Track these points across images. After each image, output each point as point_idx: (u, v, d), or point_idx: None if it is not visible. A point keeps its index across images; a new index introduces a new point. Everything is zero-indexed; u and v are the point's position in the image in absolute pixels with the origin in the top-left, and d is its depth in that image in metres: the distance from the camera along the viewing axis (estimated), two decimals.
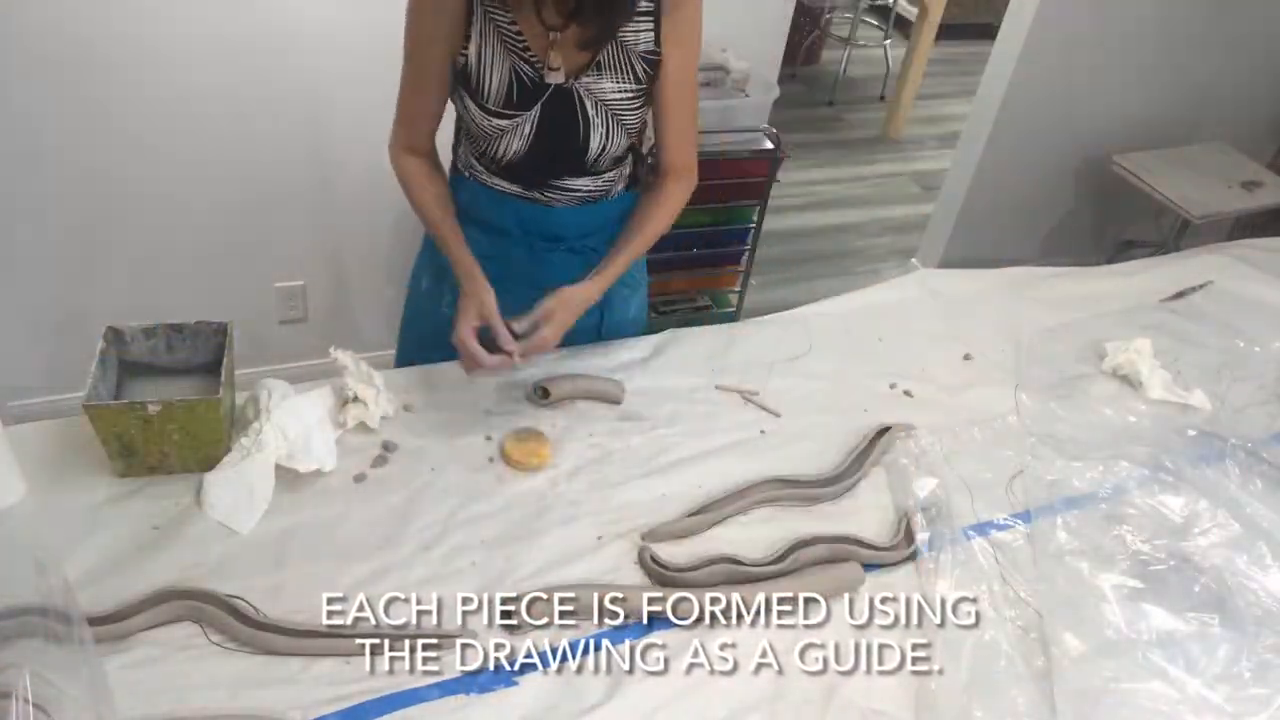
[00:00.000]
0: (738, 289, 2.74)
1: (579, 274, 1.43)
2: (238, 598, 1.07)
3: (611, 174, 1.39)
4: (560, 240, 1.43)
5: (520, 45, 1.23)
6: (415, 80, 1.30)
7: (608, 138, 1.31)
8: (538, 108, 1.27)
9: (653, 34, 1.27)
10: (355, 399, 1.32)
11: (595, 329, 1.54)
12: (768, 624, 1.14)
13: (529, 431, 1.36)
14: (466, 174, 1.41)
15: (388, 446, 1.31)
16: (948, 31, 4.76)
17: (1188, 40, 2.94)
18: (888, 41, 4.94)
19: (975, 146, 3.01)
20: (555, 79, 1.25)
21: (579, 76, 1.26)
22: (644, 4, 1.24)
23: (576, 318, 1.35)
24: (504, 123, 1.28)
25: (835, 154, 4.33)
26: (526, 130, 1.28)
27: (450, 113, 1.35)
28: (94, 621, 0.99)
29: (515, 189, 1.38)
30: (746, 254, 2.67)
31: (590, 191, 1.39)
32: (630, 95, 1.29)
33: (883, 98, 4.83)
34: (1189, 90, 3.09)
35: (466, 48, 1.24)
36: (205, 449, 1.21)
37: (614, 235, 1.46)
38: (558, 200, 1.38)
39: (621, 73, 1.27)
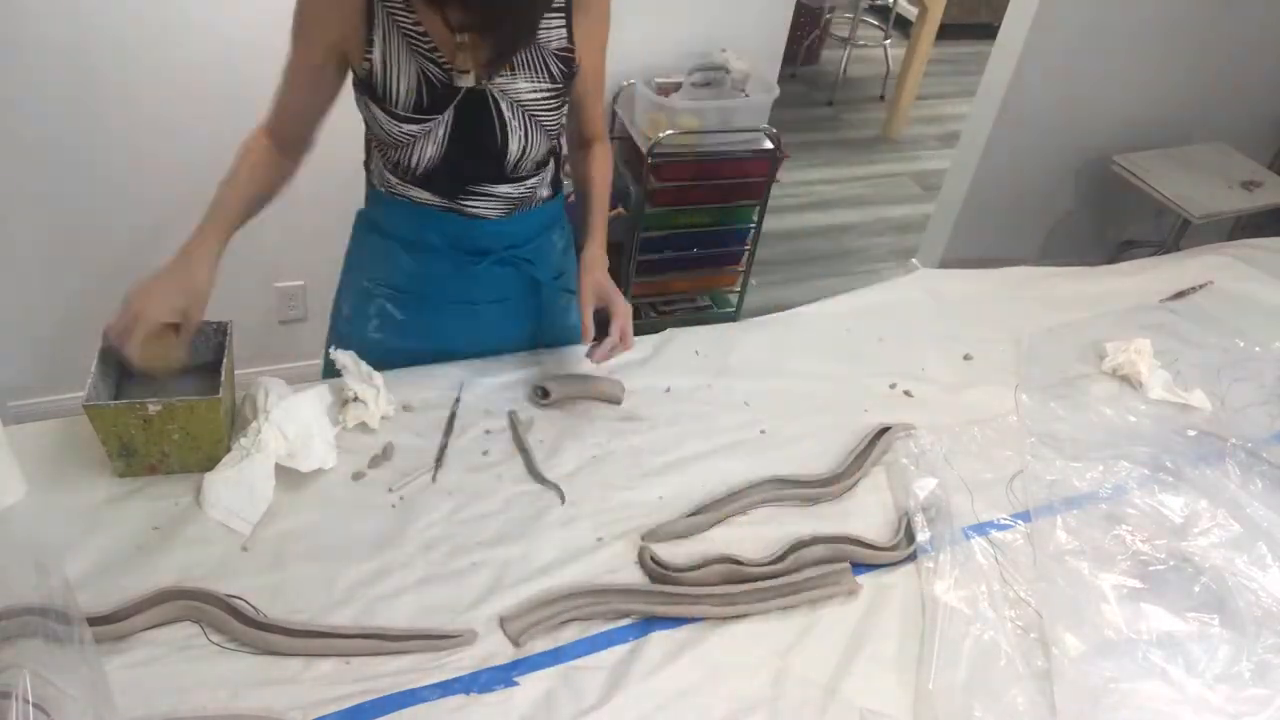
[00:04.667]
0: (738, 289, 2.74)
1: (510, 288, 1.44)
2: (238, 598, 1.07)
3: (533, 180, 1.35)
4: (487, 253, 1.38)
5: (427, 47, 1.17)
6: (291, 75, 1.23)
7: (526, 140, 1.26)
8: (450, 111, 1.21)
9: (565, 31, 1.23)
10: (355, 399, 1.32)
11: (531, 336, 1.53)
12: (767, 624, 1.14)
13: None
14: (382, 189, 1.36)
15: (387, 447, 1.31)
16: (948, 31, 4.76)
17: (1188, 40, 2.94)
18: (888, 41, 4.95)
19: (975, 146, 3.01)
20: (465, 82, 1.18)
21: (491, 78, 1.20)
22: (555, 1, 1.20)
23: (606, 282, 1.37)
24: (414, 128, 1.22)
25: (835, 154, 4.33)
26: (440, 135, 1.23)
27: (357, 125, 1.29)
28: (94, 621, 0.99)
29: (435, 200, 1.32)
30: (746, 254, 2.67)
31: (512, 198, 1.34)
32: (547, 95, 1.24)
33: (883, 98, 4.83)
34: (1189, 90, 3.09)
35: (370, 53, 1.17)
36: (205, 449, 1.21)
37: (542, 244, 1.45)
38: (480, 210, 1.34)
39: (536, 72, 1.23)
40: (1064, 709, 1.07)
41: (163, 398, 1.15)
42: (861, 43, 4.95)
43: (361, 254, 1.47)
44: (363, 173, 1.44)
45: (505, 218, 1.36)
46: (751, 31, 2.45)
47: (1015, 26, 2.79)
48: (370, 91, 1.21)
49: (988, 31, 3.33)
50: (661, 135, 2.30)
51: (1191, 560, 1.28)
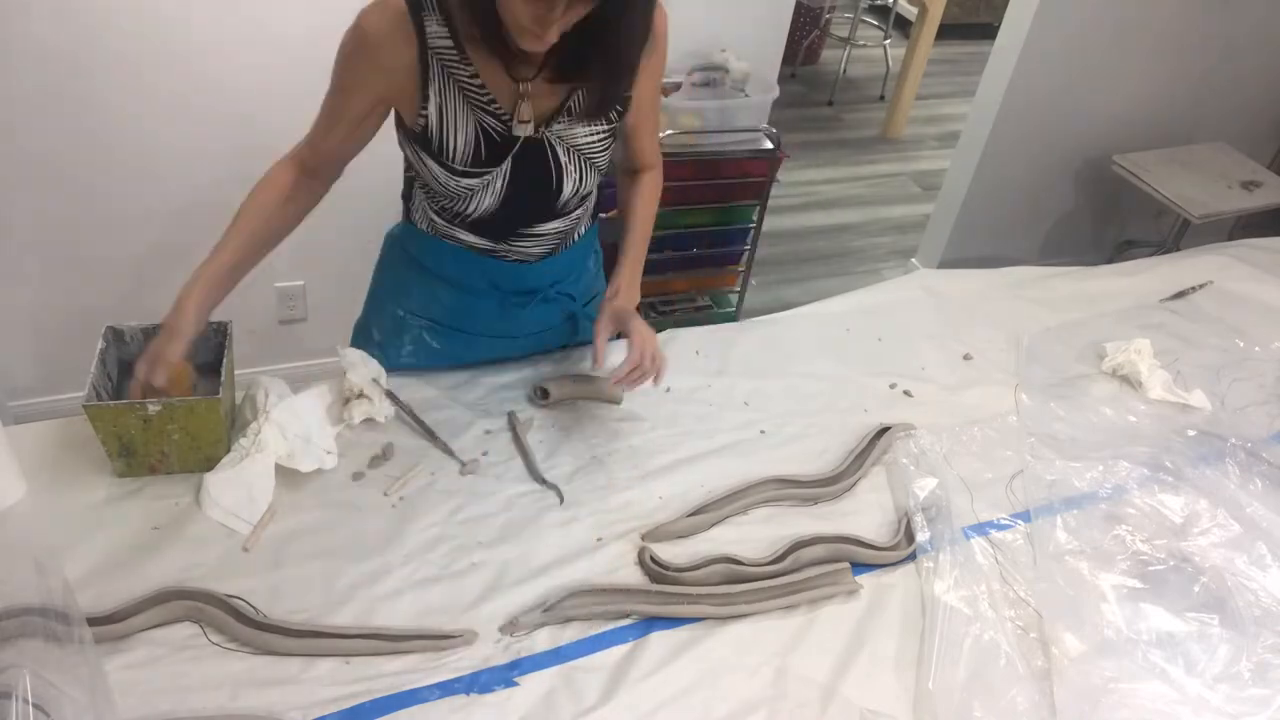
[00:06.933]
0: (738, 289, 2.74)
1: (551, 319, 1.46)
2: (238, 598, 1.07)
3: (578, 211, 1.34)
4: (533, 293, 1.40)
5: (485, 99, 1.15)
6: (330, 119, 1.20)
7: (580, 181, 1.26)
8: (508, 161, 1.20)
9: None
10: (361, 395, 1.32)
11: (570, 332, 1.53)
12: (767, 624, 1.14)
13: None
14: (425, 228, 1.34)
15: (387, 447, 1.31)
16: (948, 31, 4.77)
17: (1188, 40, 2.94)
18: (888, 41, 4.95)
19: (975, 146, 3.01)
20: (524, 131, 1.18)
21: (549, 124, 1.20)
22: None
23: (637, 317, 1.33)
24: (473, 181, 1.20)
25: (835, 154, 4.34)
26: (498, 186, 1.21)
27: (392, 160, 1.28)
28: (94, 621, 0.99)
29: (482, 243, 1.32)
30: (746, 254, 2.67)
31: (558, 233, 1.34)
32: (602, 136, 1.24)
33: (882, 98, 4.83)
34: (1189, 90, 3.09)
35: (425, 108, 1.14)
36: (205, 449, 1.21)
37: (583, 278, 1.46)
38: (526, 250, 1.33)
39: (593, 115, 1.22)
40: (1064, 709, 1.07)
41: (163, 398, 1.15)
42: (861, 43, 4.95)
43: (397, 284, 1.45)
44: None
45: (549, 256, 1.36)
46: (751, 31, 2.45)
47: (1015, 26, 2.79)
48: (425, 145, 1.18)
49: (988, 31, 3.33)
50: (661, 135, 2.29)
51: (1191, 560, 1.28)
